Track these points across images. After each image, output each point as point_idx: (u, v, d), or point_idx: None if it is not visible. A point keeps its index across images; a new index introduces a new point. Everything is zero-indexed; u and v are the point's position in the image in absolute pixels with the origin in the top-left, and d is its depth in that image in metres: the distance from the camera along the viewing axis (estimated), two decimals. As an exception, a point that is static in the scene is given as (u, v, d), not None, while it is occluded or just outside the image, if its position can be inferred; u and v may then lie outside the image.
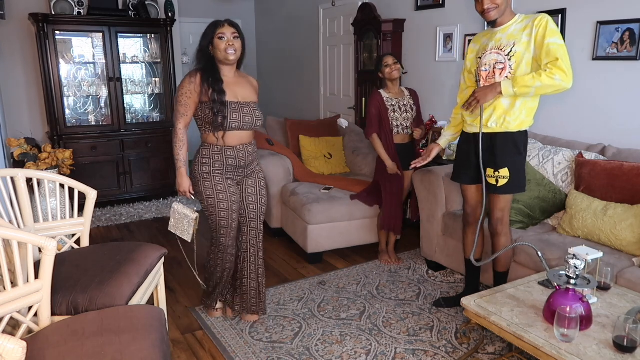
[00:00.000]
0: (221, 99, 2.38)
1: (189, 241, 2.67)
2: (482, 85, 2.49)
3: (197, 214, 2.61)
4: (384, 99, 3.32)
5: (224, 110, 2.38)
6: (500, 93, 2.37)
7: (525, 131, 2.50)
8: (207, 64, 2.43)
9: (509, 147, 2.46)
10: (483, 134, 2.48)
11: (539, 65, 2.33)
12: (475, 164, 2.55)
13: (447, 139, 2.82)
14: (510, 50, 2.37)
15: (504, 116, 2.42)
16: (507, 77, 2.39)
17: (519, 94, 2.35)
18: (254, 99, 2.56)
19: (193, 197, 2.55)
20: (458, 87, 2.78)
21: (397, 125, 3.34)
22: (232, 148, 2.48)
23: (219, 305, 2.85)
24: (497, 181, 2.48)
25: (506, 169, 2.45)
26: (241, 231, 2.71)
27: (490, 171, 2.50)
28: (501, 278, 2.68)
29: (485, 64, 2.46)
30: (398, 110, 3.33)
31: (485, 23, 2.64)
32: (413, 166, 2.92)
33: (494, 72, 2.43)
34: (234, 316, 2.83)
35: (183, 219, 2.64)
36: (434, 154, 2.82)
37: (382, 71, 3.33)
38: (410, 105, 3.39)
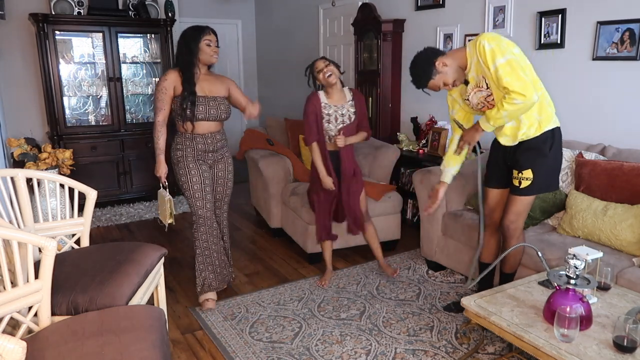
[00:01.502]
0: (192, 99, 2.72)
1: (167, 224, 2.92)
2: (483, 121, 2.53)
3: (169, 196, 2.90)
4: (322, 105, 3.03)
5: (193, 107, 2.73)
6: (483, 131, 2.42)
7: (551, 130, 2.43)
8: (186, 64, 2.75)
9: (532, 150, 2.45)
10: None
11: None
12: (502, 168, 2.57)
13: (452, 174, 2.74)
14: (486, 83, 2.39)
15: (515, 133, 2.44)
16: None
17: (497, 126, 2.39)
18: (221, 93, 2.87)
19: (166, 183, 2.88)
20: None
21: (330, 137, 3.09)
22: (201, 136, 2.84)
23: (210, 295, 2.92)
24: (520, 182, 2.48)
25: (529, 170, 2.45)
26: None
27: (515, 172, 2.51)
28: (507, 279, 2.67)
29: (478, 104, 2.47)
30: (334, 121, 3.03)
31: None
32: (427, 213, 2.82)
33: (489, 106, 2.43)
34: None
35: (162, 201, 2.92)
36: (441, 194, 2.73)
37: (317, 79, 3.03)
38: (349, 115, 3.06)
